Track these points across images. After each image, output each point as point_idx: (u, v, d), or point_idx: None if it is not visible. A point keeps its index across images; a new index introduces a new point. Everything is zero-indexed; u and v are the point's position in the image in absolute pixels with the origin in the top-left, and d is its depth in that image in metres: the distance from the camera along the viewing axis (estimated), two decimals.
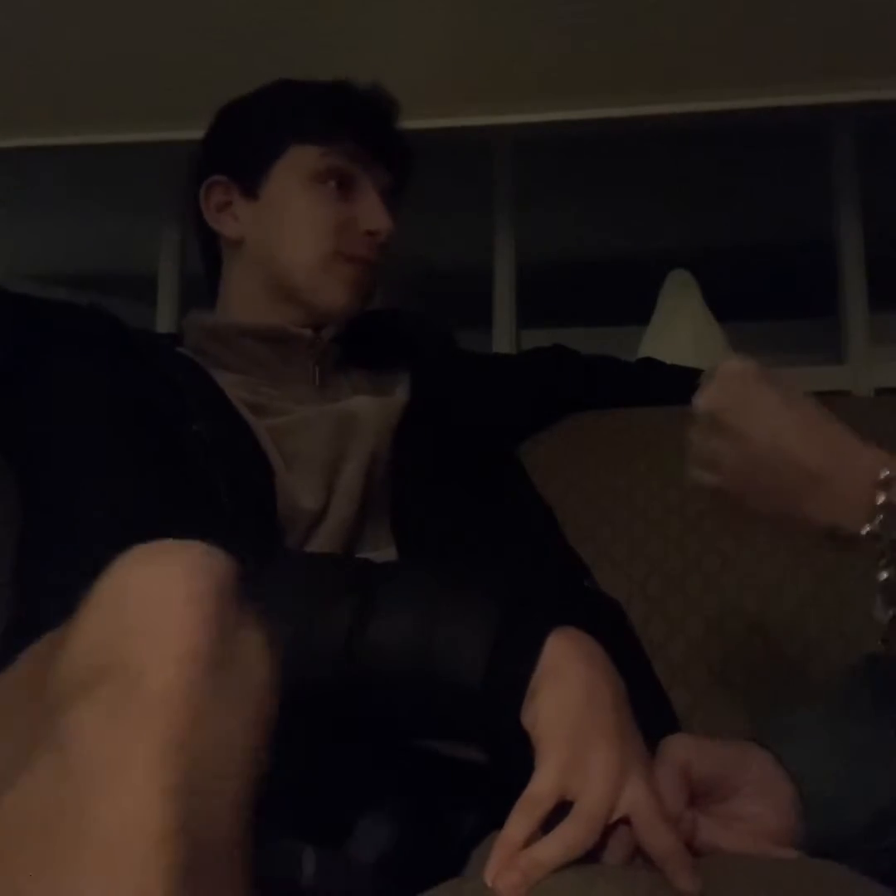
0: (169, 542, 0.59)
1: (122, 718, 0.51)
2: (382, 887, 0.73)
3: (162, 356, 1.03)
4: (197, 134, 1.18)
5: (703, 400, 0.76)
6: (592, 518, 1.21)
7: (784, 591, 1.14)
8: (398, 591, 0.73)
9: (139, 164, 1.83)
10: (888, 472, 0.68)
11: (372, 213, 1.09)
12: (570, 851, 0.61)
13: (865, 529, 0.68)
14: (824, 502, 0.71)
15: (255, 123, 1.14)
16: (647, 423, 1.28)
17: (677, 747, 0.72)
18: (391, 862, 0.74)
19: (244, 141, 1.13)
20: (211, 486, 0.90)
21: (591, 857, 0.61)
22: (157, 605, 0.55)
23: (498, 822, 0.63)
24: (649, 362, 1.42)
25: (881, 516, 0.68)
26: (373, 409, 1.06)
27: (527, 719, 0.67)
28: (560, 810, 0.63)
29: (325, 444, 1.00)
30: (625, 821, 0.63)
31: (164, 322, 1.86)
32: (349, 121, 1.11)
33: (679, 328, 1.70)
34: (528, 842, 0.61)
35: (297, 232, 1.09)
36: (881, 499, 0.68)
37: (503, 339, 1.84)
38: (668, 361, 1.40)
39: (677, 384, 1.32)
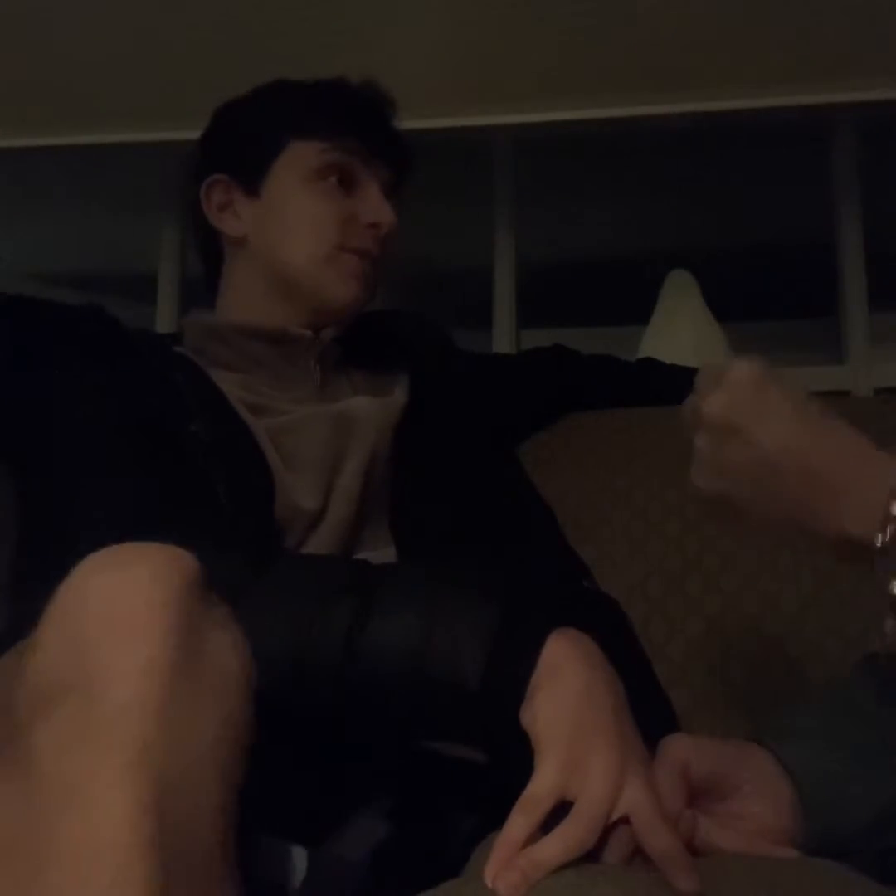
0: (129, 546, 0.58)
1: (87, 736, 0.51)
2: (375, 887, 0.73)
3: (160, 356, 1.03)
4: (197, 134, 1.18)
5: (712, 404, 0.73)
6: (592, 518, 1.21)
7: (784, 591, 1.14)
8: (397, 591, 0.73)
9: (139, 164, 1.83)
10: None
11: (373, 206, 1.09)
12: (569, 851, 0.61)
13: (879, 540, 0.65)
14: (836, 511, 0.67)
15: (255, 121, 1.14)
16: (647, 423, 1.28)
17: (676, 747, 0.72)
18: (384, 862, 0.74)
19: (244, 139, 1.13)
20: (209, 487, 0.90)
21: (590, 857, 0.61)
22: (117, 614, 0.54)
23: (498, 822, 0.63)
24: (649, 362, 1.42)
25: (894, 527, 0.64)
26: (372, 409, 1.06)
27: (526, 719, 0.67)
28: (559, 810, 0.63)
29: (325, 444, 1.00)
30: (624, 820, 0.63)
31: (164, 322, 1.86)
32: (348, 116, 1.11)
33: (679, 328, 1.70)
34: (528, 842, 0.61)
35: (300, 228, 1.09)
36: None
37: (503, 339, 1.84)
38: (668, 361, 1.40)
39: (677, 384, 1.33)
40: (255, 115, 1.14)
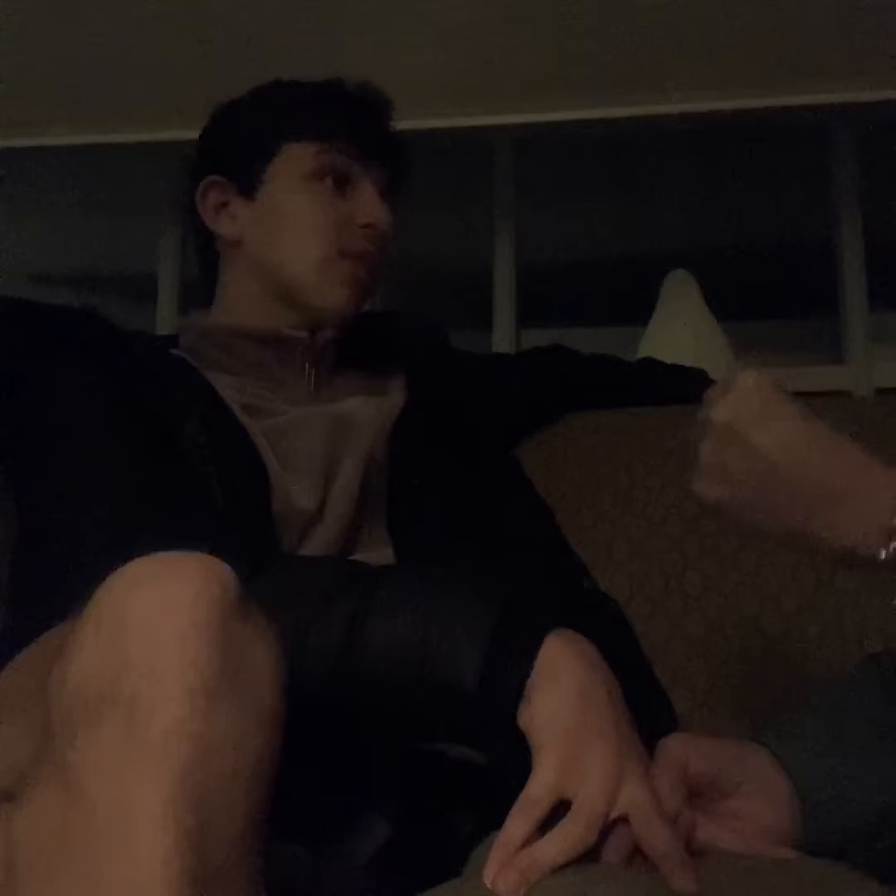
0: (168, 556, 0.58)
1: (131, 762, 0.51)
2: (378, 887, 0.73)
3: (156, 358, 1.03)
4: (197, 134, 1.18)
5: (717, 411, 0.72)
6: (592, 518, 1.21)
7: (784, 591, 1.14)
8: (394, 592, 0.73)
9: (139, 164, 1.83)
10: None
11: (368, 207, 1.09)
12: (568, 851, 0.61)
13: (882, 554, 0.64)
14: (839, 522, 0.67)
15: (250, 123, 1.13)
16: (647, 423, 1.28)
17: (675, 746, 0.72)
18: (386, 862, 0.74)
19: (240, 141, 1.13)
20: (206, 488, 0.90)
21: (589, 856, 0.61)
22: (159, 635, 0.54)
23: (497, 822, 0.63)
24: (649, 362, 1.42)
25: None
26: (368, 410, 1.05)
27: (523, 720, 0.67)
28: (558, 810, 0.63)
29: (321, 444, 1.00)
30: (623, 820, 0.63)
31: (164, 322, 1.86)
32: (343, 118, 1.11)
33: (679, 328, 1.70)
34: (527, 842, 0.61)
35: (296, 231, 1.08)
36: None
37: (503, 339, 1.85)
38: (668, 361, 1.40)
39: (677, 384, 1.34)
40: (251, 116, 1.14)
